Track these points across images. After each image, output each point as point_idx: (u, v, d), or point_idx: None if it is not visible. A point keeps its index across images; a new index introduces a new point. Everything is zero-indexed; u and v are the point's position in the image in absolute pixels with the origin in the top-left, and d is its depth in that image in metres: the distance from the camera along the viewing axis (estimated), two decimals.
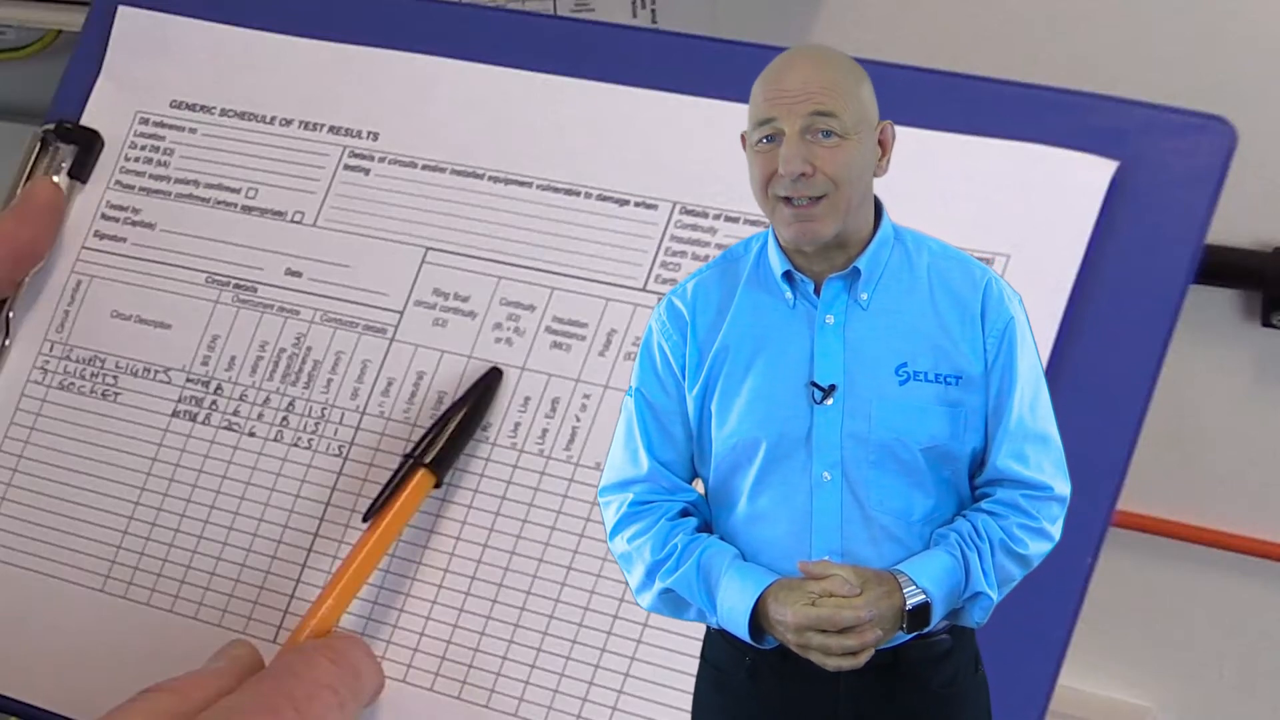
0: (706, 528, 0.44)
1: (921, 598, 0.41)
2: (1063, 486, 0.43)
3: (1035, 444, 0.43)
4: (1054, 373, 0.44)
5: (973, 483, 0.43)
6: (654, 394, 0.44)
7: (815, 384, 0.42)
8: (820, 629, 0.41)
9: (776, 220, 0.42)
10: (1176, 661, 0.93)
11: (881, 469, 0.42)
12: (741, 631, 0.42)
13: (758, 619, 0.42)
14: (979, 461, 0.43)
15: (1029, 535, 0.42)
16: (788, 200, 0.42)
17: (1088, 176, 0.52)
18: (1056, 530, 0.43)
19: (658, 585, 0.43)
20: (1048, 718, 0.48)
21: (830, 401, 0.42)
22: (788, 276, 0.43)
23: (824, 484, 0.42)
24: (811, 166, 0.41)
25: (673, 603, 0.44)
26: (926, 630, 0.42)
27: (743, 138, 0.43)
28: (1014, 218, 0.52)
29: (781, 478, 0.43)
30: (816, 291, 0.43)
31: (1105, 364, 0.50)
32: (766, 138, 0.42)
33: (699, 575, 0.43)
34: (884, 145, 0.43)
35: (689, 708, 0.50)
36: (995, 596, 0.42)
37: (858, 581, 0.41)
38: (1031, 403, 0.43)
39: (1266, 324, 0.85)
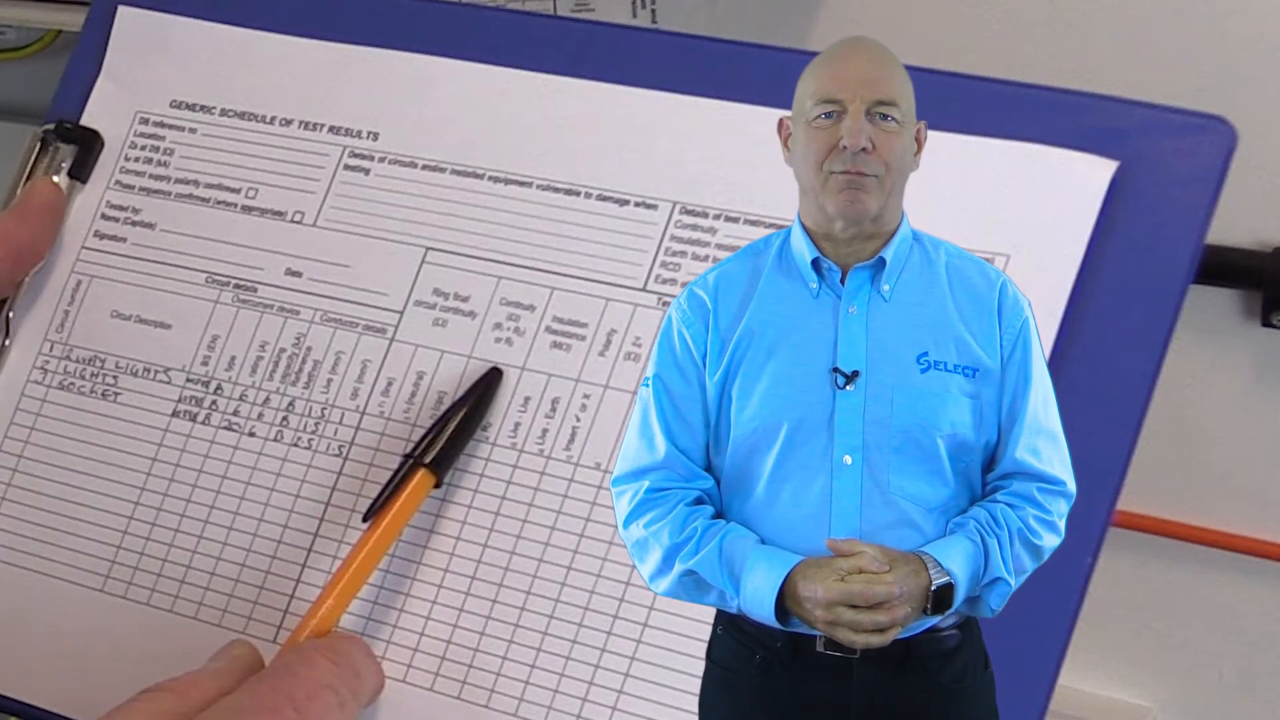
0: (720, 516, 0.44)
1: (946, 579, 0.42)
2: (1072, 483, 0.44)
3: (1047, 440, 0.44)
4: (1054, 372, 0.44)
5: (983, 476, 0.44)
6: (673, 381, 0.45)
7: (838, 369, 0.43)
8: (851, 604, 0.41)
9: (826, 191, 0.43)
10: (1176, 661, 0.93)
11: (903, 454, 0.43)
12: (767, 612, 0.42)
13: (783, 600, 0.42)
14: (990, 456, 0.44)
15: (1044, 528, 0.43)
16: (842, 173, 0.43)
17: (1088, 176, 0.52)
18: (1064, 526, 0.44)
19: (677, 568, 0.44)
20: (1048, 718, 0.48)
21: (852, 387, 0.43)
22: (815, 264, 0.44)
23: (845, 468, 0.43)
24: (872, 144, 0.43)
25: (692, 586, 0.44)
26: (945, 615, 0.42)
27: (781, 124, 0.44)
28: (1014, 218, 0.52)
29: (802, 461, 0.43)
30: (842, 280, 0.44)
31: (1105, 364, 0.50)
32: (826, 114, 0.43)
33: (721, 557, 0.43)
34: (919, 143, 0.45)
35: (690, 707, 0.50)
36: (1013, 583, 0.43)
37: (885, 560, 0.41)
38: (1044, 400, 0.44)
39: (1266, 324, 0.85)
